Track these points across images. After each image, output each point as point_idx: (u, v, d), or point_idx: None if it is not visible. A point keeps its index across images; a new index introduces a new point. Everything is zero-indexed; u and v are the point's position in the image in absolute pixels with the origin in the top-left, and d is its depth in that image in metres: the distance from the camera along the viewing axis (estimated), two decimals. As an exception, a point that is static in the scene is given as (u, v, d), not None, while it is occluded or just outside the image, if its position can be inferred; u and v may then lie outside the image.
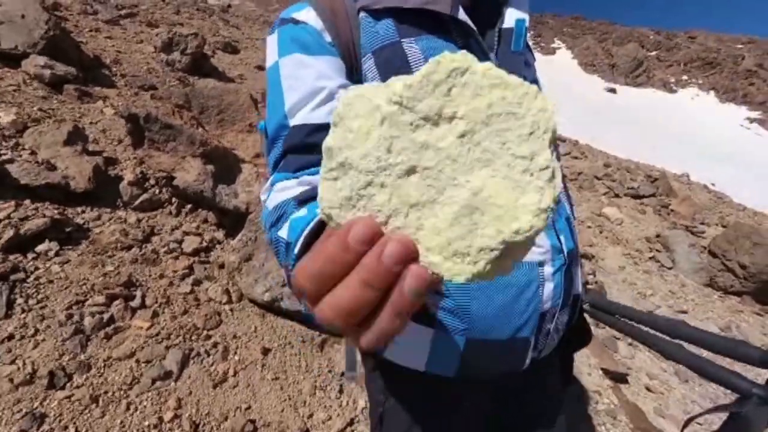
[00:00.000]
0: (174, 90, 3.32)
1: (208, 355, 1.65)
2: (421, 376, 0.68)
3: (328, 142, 0.23)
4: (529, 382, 0.73)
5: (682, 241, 4.34)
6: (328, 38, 0.61)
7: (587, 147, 10.77)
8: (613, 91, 28.94)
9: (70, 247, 1.85)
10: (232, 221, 2.36)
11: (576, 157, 7.00)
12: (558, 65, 32.00)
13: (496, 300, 0.61)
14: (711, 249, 4.09)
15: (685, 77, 31.17)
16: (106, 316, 1.60)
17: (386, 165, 0.22)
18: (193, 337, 1.69)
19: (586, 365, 2.27)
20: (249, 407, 1.52)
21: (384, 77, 0.60)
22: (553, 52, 35.46)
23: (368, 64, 0.61)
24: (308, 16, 0.62)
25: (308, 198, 0.51)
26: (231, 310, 1.96)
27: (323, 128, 0.57)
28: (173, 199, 2.37)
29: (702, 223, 6.31)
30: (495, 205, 0.21)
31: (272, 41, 0.64)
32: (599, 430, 1.83)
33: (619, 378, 2.36)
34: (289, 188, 0.54)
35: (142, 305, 1.74)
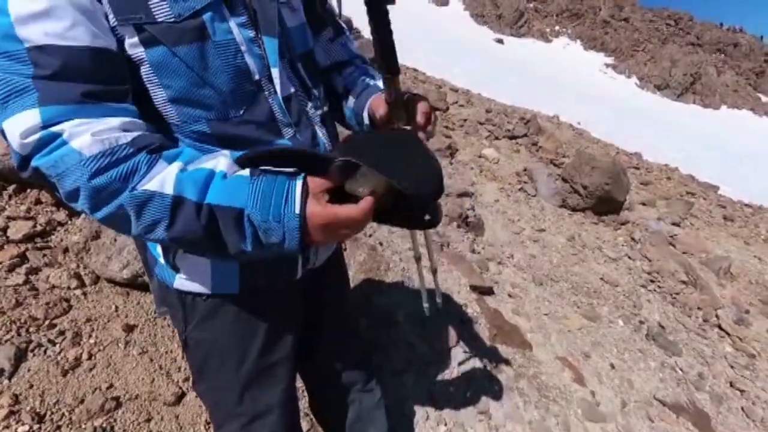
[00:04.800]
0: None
1: (53, 344, 1.49)
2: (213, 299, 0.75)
3: None
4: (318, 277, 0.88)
5: (542, 172, 5.07)
6: None
7: (477, 96, 11.55)
8: (500, 41, 30.94)
9: None
10: (74, 198, 2.06)
11: (462, 105, 7.50)
12: (451, 16, 32.85)
13: None
14: (563, 176, 4.87)
15: (557, 27, 34.68)
16: None
17: None
18: (30, 330, 1.50)
19: (456, 285, 2.61)
20: (111, 385, 1.45)
21: (117, 8, 0.55)
22: (446, 3, 36.06)
23: None
24: None
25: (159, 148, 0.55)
26: (84, 294, 1.77)
27: (101, 53, 0.51)
28: (-14, 181, 1.97)
29: (564, 156, 7.42)
30: None
31: None
32: (462, 335, 2.17)
33: (485, 291, 2.78)
34: (114, 128, 0.51)
35: (-47, 306, 1.48)
